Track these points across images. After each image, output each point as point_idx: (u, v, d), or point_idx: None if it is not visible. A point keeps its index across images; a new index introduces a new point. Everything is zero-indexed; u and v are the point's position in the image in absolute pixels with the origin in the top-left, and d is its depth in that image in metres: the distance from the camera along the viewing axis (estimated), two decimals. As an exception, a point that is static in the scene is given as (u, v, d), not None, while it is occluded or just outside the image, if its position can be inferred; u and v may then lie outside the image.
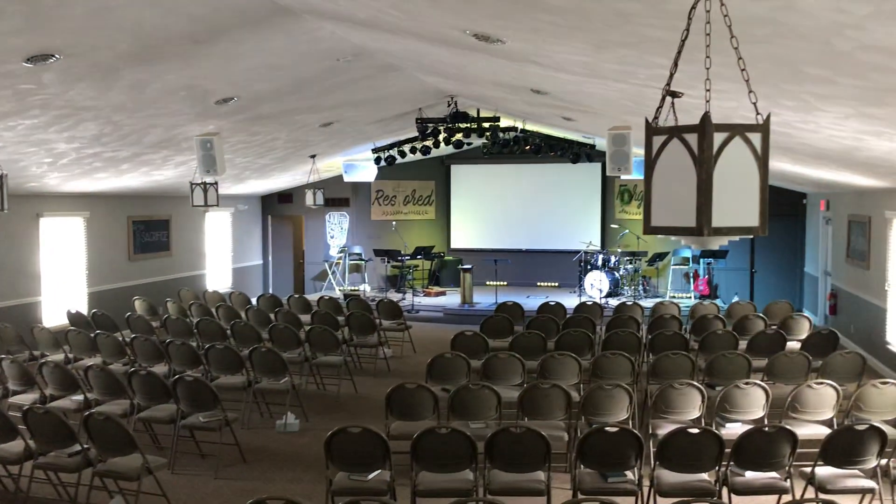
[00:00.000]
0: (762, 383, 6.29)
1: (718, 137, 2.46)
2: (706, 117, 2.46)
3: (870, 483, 5.14)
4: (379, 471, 5.20)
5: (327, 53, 7.46)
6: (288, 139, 11.45)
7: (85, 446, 5.61)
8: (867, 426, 5.04)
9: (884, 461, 5.20)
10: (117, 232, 12.97)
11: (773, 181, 13.58)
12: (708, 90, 2.75)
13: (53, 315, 11.31)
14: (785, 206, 15.48)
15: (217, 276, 16.03)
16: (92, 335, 8.75)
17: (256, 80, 7.88)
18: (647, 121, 2.64)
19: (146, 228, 13.68)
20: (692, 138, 2.48)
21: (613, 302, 13.70)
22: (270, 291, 16.81)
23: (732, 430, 6.00)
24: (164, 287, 13.81)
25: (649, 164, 2.61)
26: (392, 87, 9.79)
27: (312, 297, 13.57)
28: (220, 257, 16.24)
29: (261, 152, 11.95)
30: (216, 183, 10.70)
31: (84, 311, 11.09)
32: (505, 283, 17.13)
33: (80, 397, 7.12)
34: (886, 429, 5.26)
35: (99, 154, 9.28)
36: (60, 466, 5.66)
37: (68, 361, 8.76)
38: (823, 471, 5.18)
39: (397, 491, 5.25)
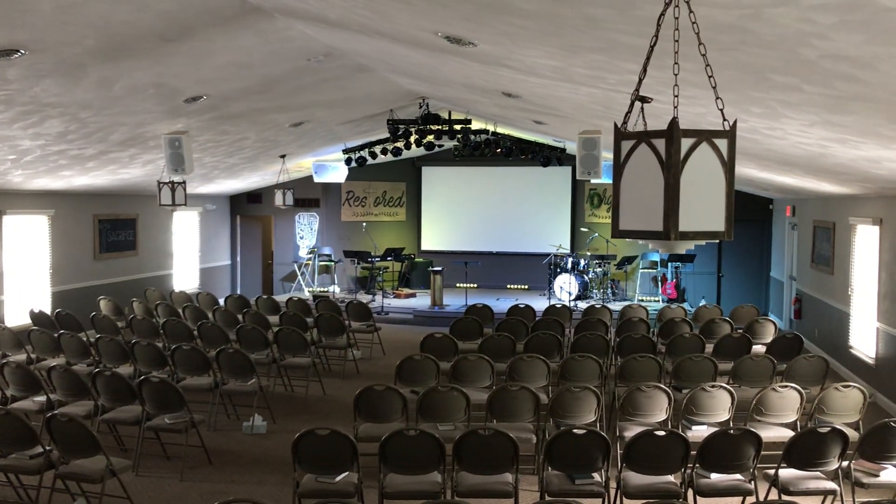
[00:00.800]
0: (728, 386, 6.37)
1: (686, 143, 2.49)
2: (674, 123, 2.48)
3: (831, 485, 5.23)
4: (346, 473, 5.18)
5: (298, 53, 7.42)
6: (257, 139, 11.37)
7: (47, 448, 5.52)
8: (829, 429, 5.12)
9: (845, 463, 5.28)
10: (83, 230, 12.78)
11: (741, 186, 13.75)
12: (676, 96, 2.78)
13: (16, 314, 11.10)
14: (752, 212, 15.70)
15: (184, 277, 15.86)
16: (55, 335, 8.61)
17: (226, 79, 7.81)
18: (615, 125, 2.65)
19: (112, 227, 13.49)
20: (660, 143, 2.50)
21: (582, 305, 13.79)
22: (238, 292, 16.66)
23: (698, 432, 6.06)
24: (130, 287, 13.63)
25: (618, 168, 2.64)
26: (363, 88, 9.76)
27: (281, 298, 13.47)
28: (188, 257, 16.07)
29: (230, 151, 11.85)
30: (184, 182, 10.60)
31: (48, 310, 10.91)
32: (475, 285, 17.16)
33: (42, 398, 7.01)
34: (848, 431, 5.37)
35: (64, 151, 9.14)
36: (22, 469, 5.56)
37: (31, 362, 8.61)
38: (787, 473, 5.26)
39: (365, 493, 5.23)
